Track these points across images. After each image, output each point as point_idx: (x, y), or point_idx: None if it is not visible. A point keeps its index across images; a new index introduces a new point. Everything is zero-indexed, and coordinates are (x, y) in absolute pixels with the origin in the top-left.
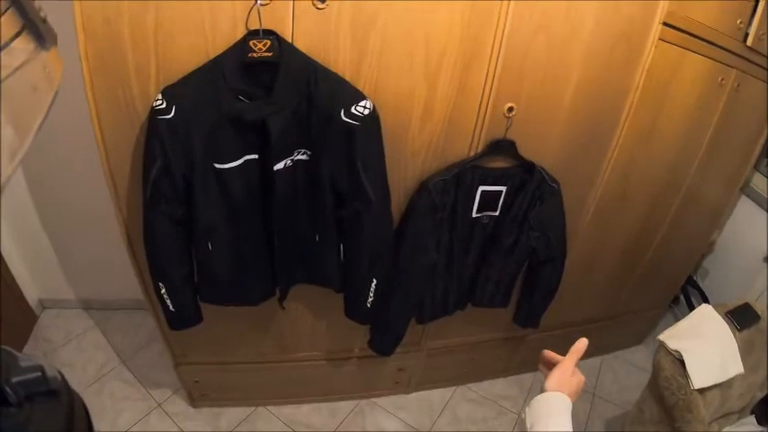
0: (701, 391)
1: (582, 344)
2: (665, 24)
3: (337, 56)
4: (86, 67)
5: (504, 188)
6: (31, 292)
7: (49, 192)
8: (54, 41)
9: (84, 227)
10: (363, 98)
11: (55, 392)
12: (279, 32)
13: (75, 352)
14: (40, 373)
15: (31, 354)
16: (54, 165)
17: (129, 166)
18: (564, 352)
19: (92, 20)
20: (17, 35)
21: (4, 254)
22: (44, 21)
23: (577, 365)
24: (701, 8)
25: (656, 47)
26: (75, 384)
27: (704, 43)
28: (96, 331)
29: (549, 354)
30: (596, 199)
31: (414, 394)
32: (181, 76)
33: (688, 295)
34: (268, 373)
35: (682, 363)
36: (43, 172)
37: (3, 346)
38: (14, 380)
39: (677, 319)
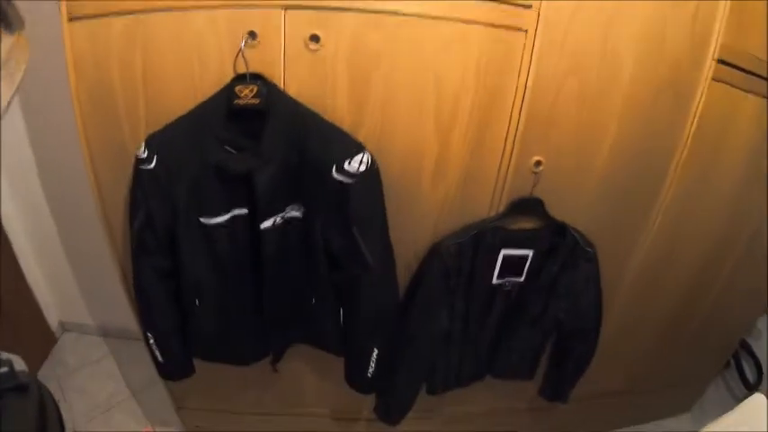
0: None
1: None
2: (720, 62)
3: (335, 103)
4: (78, 111)
5: (530, 252)
6: (53, 314)
7: (71, 216)
8: (21, 26)
9: (102, 254)
10: (360, 151)
11: (24, 387)
12: (270, 76)
13: (88, 379)
14: (8, 368)
15: (45, 374)
16: (74, 184)
17: (123, 209)
18: (595, 426)
19: (82, 61)
20: None
21: (27, 274)
22: (9, 2)
23: None
24: (760, 40)
25: (708, 88)
26: (83, 412)
27: (764, 82)
28: (111, 360)
29: None
30: (638, 263)
31: None
32: (169, 118)
33: (739, 360)
34: (272, 425)
35: None
36: (65, 192)
37: None
38: None
39: (728, 385)
